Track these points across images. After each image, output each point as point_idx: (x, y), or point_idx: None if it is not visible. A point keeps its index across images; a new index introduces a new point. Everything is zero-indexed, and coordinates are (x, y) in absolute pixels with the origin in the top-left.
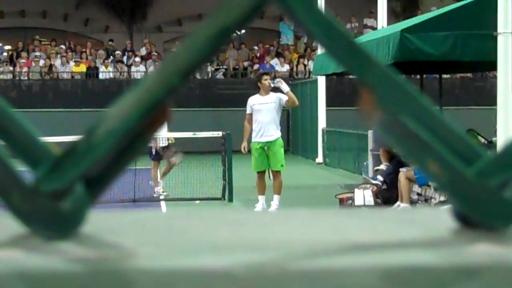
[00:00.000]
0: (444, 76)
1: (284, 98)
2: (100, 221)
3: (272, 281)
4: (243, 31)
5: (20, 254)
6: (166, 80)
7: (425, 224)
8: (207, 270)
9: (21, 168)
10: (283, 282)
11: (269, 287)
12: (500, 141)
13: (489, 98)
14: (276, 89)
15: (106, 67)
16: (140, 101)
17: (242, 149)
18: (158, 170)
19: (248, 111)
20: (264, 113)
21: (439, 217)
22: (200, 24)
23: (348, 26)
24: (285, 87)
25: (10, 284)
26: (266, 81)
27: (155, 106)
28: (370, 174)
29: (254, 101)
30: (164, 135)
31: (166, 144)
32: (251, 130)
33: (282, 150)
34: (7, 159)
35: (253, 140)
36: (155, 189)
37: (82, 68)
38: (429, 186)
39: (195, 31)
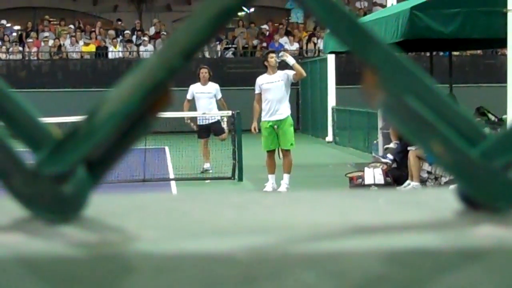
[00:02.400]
0: (454, 53)
1: (291, 73)
2: (103, 204)
3: (274, 265)
4: (252, 9)
5: (21, 238)
6: (167, 62)
7: (429, 205)
8: (209, 253)
9: (21, 149)
10: (285, 265)
11: (271, 271)
12: (510, 119)
13: (499, 75)
14: (284, 67)
15: (115, 46)
16: (141, 84)
17: (252, 130)
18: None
19: (257, 91)
20: (273, 91)
21: (443, 198)
22: (201, 4)
23: (357, 4)
24: (290, 59)
25: (10, 268)
26: (272, 59)
27: (156, 89)
28: (380, 152)
29: (263, 81)
30: (213, 114)
31: (215, 120)
32: (261, 110)
33: (292, 129)
34: (7, 141)
35: (263, 119)
36: (204, 165)
37: (92, 48)
38: None
39: (197, 11)
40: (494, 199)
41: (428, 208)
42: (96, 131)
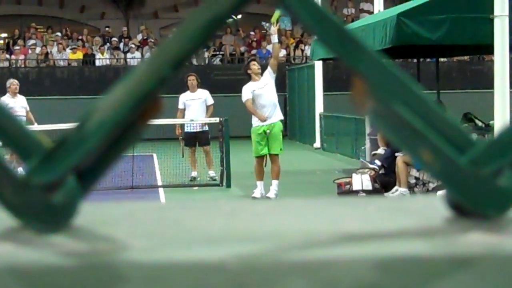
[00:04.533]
0: (441, 59)
1: (270, 69)
2: (93, 213)
3: (265, 273)
4: (239, 16)
5: (11, 248)
6: (157, 71)
7: (419, 212)
8: (200, 262)
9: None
10: (276, 273)
11: (262, 279)
12: (497, 124)
13: (486, 81)
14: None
15: (103, 54)
16: (131, 93)
17: (261, 118)
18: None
19: (249, 96)
20: (266, 95)
21: (433, 206)
22: (191, 13)
23: (345, 10)
24: (274, 38)
25: (1, 278)
26: (255, 66)
27: (146, 98)
28: (368, 158)
29: (253, 87)
30: (200, 120)
31: (202, 129)
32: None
33: (281, 134)
34: None
35: (255, 124)
36: (192, 173)
37: (79, 55)
38: None
39: (186, 20)
40: (483, 206)
41: (417, 215)
42: (86, 140)
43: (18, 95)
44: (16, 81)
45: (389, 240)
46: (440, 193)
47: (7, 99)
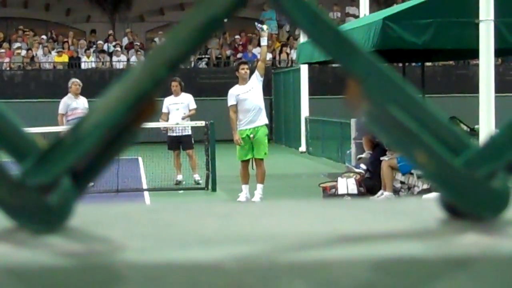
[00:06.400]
0: (426, 64)
1: (258, 72)
2: (88, 214)
3: (261, 274)
4: (225, 20)
5: (7, 249)
6: (152, 72)
7: (413, 214)
8: (196, 263)
9: (6, 159)
10: (272, 274)
11: (259, 280)
12: (482, 129)
13: (471, 85)
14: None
15: (88, 57)
16: (127, 94)
17: (236, 142)
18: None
19: (233, 103)
20: (251, 100)
21: (426, 208)
22: (187, 13)
23: (331, 14)
24: (264, 40)
25: None
26: (243, 70)
27: (141, 99)
28: (353, 162)
29: (238, 91)
30: (187, 124)
31: (185, 133)
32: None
33: (266, 139)
34: None
35: (239, 128)
36: (177, 177)
37: (64, 58)
38: (412, 174)
39: (183, 20)
40: (477, 208)
41: (411, 217)
42: (81, 142)
43: (80, 96)
44: (78, 80)
45: (384, 241)
46: (426, 196)
47: (69, 100)
